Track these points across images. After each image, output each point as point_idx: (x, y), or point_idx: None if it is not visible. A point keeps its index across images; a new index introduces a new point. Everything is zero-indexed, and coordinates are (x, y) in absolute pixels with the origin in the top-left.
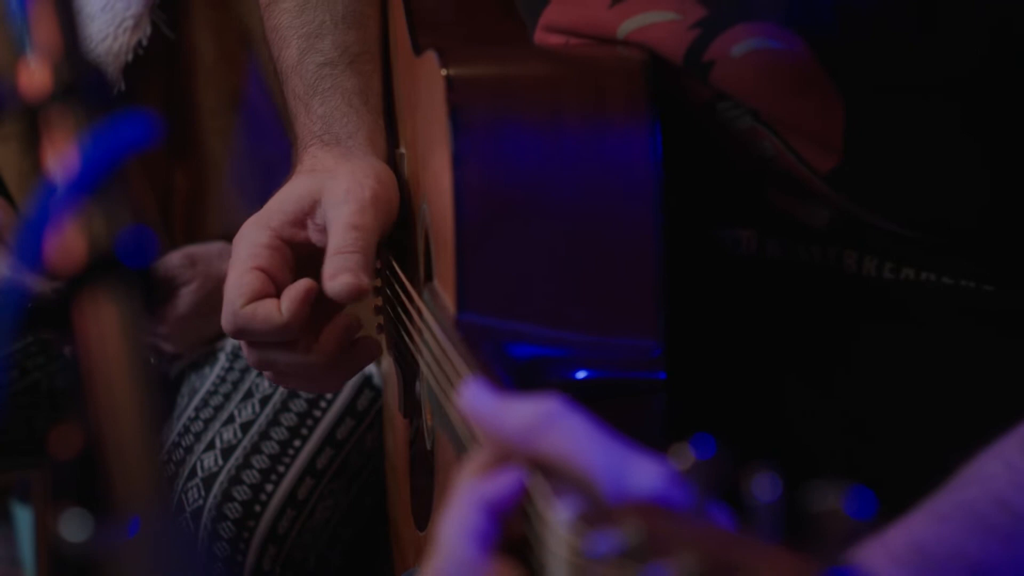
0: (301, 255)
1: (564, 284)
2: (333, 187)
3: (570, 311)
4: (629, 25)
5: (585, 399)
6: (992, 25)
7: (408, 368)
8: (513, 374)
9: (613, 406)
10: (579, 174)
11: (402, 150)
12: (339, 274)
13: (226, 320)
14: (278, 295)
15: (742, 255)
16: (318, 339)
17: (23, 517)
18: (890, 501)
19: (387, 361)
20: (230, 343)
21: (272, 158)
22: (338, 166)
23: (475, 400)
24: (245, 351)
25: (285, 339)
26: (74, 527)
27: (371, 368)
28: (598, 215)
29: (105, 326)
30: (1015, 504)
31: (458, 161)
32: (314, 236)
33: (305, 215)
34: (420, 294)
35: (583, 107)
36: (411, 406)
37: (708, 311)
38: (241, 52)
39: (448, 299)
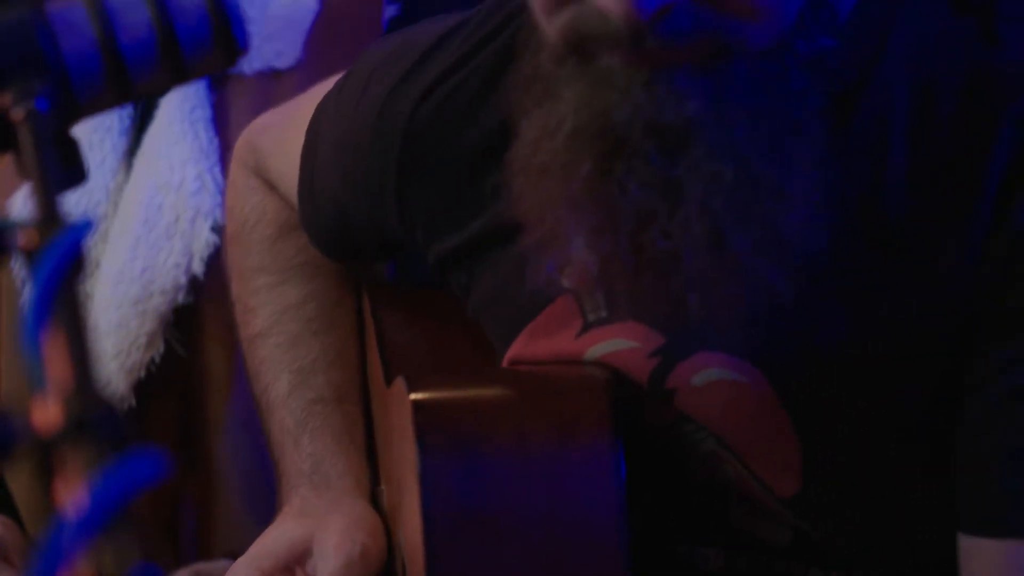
0: None
1: None
2: (324, 539)
3: None
4: (596, 351)
5: None
6: (942, 369)
7: None
8: None
9: None
10: (544, 494)
11: (382, 487)
12: None
13: None
14: None
15: (710, 572)
16: None
17: None
18: None
19: None
20: None
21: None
22: (329, 515)
23: None
24: None
25: None
26: None
27: None
28: (565, 535)
29: None
30: None
31: (425, 483)
32: None
33: (295, 562)
34: None
35: (548, 427)
36: None
37: None
38: None
39: None
